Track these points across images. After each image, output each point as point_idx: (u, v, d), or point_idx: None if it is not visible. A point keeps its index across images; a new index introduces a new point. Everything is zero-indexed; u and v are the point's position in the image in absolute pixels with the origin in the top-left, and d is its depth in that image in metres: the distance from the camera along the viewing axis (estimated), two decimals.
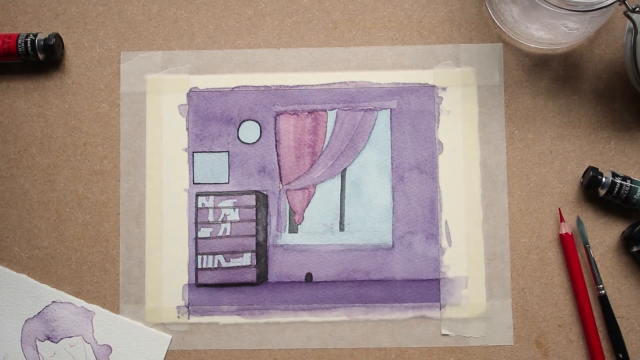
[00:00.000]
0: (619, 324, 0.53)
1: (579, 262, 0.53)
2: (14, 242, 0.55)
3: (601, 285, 0.53)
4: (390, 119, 0.55)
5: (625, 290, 0.54)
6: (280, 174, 0.55)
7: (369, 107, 0.55)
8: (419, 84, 0.55)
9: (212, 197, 0.55)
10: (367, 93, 0.55)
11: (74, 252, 0.55)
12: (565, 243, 0.53)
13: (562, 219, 0.54)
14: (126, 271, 0.54)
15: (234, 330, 0.54)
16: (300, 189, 0.55)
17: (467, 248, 0.54)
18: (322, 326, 0.54)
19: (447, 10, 0.56)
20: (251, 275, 0.54)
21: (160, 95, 0.56)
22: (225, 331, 0.54)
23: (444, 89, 0.55)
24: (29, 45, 0.54)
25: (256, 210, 0.55)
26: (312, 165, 0.55)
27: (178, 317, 0.54)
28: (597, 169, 0.53)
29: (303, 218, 0.55)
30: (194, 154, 0.55)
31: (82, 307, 0.54)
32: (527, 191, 0.54)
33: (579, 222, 0.54)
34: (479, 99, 0.55)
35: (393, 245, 0.54)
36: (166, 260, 0.55)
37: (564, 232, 0.54)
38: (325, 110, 0.56)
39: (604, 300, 0.53)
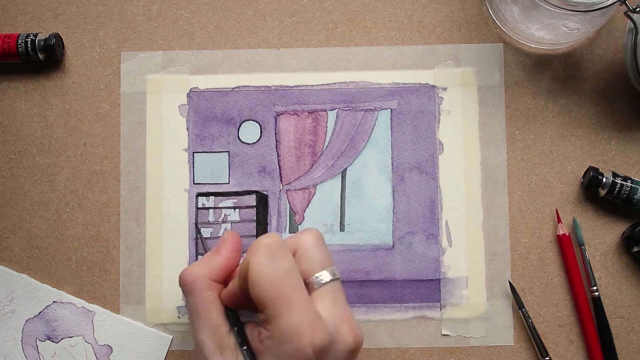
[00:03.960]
0: (619, 324, 0.53)
1: (576, 263, 0.53)
2: (14, 242, 0.55)
3: (595, 287, 0.53)
4: (391, 119, 0.55)
5: (626, 290, 0.54)
6: (280, 174, 0.55)
7: (369, 107, 0.55)
8: (420, 84, 0.55)
9: (213, 197, 0.55)
10: (368, 93, 0.55)
11: (74, 252, 0.55)
12: (563, 244, 0.53)
13: (559, 220, 0.54)
14: (126, 271, 0.55)
15: None
16: (301, 189, 0.55)
17: (468, 248, 0.54)
18: None
19: (448, 11, 0.56)
20: None
21: (160, 95, 0.56)
22: None
23: (444, 89, 0.55)
24: (29, 45, 0.54)
25: (256, 210, 0.55)
26: (313, 165, 0.55)
27: (179, 317, 0.54)
28: (598, 169, 0.53)
29: (303, 218, 0.55)
30: (194, 154, 0.55)
31: (82, 307, 0.54)
32: (527, 191, 0.55)
33: (575, 223, 0.54)
34: (480, 99, 0.55)
35: (393, 245, 0.54)
36: (166, 260, 0.55)
37: (561, 233, 0.54)
38: (326, 111, 0.56)
39: (597, 302, 0.53)
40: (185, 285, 0.45)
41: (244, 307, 0.45)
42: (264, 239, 0.43)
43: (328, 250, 0.46)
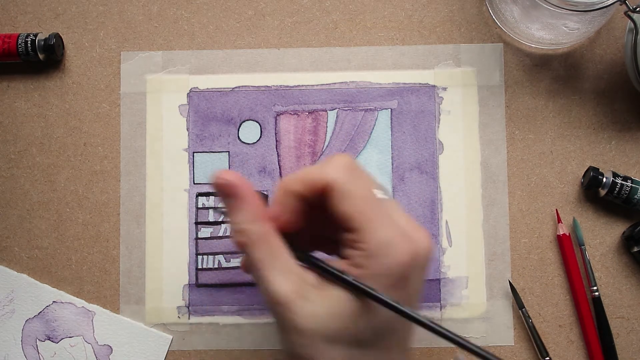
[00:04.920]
0: (619, 324, 0.53)
1: (576, 263, 0.53)
2: (14, 242, 0.55)
3: (595, 287, 0.53)
4: (391, 119, 0.55)
5: (626, 290, 0.54)
6: (280, 174, 0.55)
7: (369, 107, 0.55)
8: (420, 84, 0.55)
9: (213, 197, 0.55)
10: (368, 93, 0.55)
11: (74, 252, 0.55)
12: (563, 244, 0.53)
13: (559, 220, 0.54)
14: (126, 271, 0.55)
15: (235, 331, 0.54)
16: None
17: (468, 248, 0.54)
18: None
19: (448, 10, 0.56)
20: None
21: (160, 95, 0.56)
22: (226, 331, 0.54)
23: (444, 89, 0.55)
24: (29, 45, 0.54)
25: None
26: (313, 165, 0.55)
27: (178, 317, 0.54)
28: (598, 169, 0.53)
29: None
30: (194, 154, 0.55)
31: (82, 307, 0.54)
32: (527, 191, 0.55)
33: (575, 223, 0.54)
34: (480, 99, 0.55)
35: None
36: (166, 260, 0.55)
37: (561, 233, 0.54)
38: (326, 110, 0.56)
39: (597, 302, 0.53)
40: (244, 242, 0.40)
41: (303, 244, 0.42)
42: (340, 158, 0.41)
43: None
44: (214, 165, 0.55)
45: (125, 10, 0.56)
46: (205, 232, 0.55)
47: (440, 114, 0.55)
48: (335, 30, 0.56)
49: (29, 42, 0.54)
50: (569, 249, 0.53)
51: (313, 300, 0.39)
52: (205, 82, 0.56)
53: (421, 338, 0.54)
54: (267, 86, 0.56)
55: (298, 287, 0.39)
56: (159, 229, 0.55)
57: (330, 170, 0.40)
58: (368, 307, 0.39)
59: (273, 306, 0.40)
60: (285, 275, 0.40)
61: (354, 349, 0.39)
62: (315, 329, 0.39)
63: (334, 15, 0.56)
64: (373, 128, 0.55)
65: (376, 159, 0.55)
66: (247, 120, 0.56)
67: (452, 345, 0.53)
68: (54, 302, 0.54)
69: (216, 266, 0.54)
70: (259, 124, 0.56)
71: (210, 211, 0.55)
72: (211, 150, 0.55)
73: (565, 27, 0.51)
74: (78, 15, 0.57)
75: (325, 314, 0.39)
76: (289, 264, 0.40)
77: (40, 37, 0.55)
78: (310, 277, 0.40)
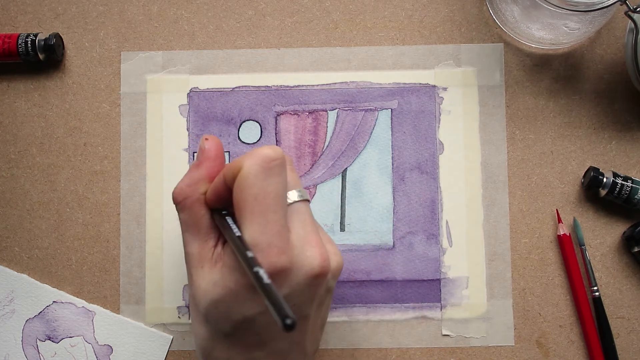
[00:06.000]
0: (620, 324, 0.53)
1: (576, 263, 0.53)
2: (14, 242, 0.55)
3: (595, 287, 0.53)
4: (391, 119, 0.55)
5: (626, 290, 0.54)
6: None
7: (369, 107, 0.55)
8: (420, 84, 0.55)
9: None
10: (368, 93, 0.55)
11: (74, 252, 0.55)
12: (563, 244, 0.53)
13: (559, 220, 0.54)
14: (127, 271, 0.54)
15: None
16: None
17: (468, 248, 0.54)
18: None
19: (448, 11, 0.56)
20: None
21: (160, 95, 0.56)
22: None
23: (444, 89, 0.55)
24: (29, 45, 0.54)
25: None
26: (313, 165, 0.55)
27: (179, 317, 0.54)
28: (598, 169, 0.53)
29: None
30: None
31: (82, 307, 0.54)
32: (528, 191, 0.54)
33: (575, 223, 0.54)
34: (480, 99, 0.55)
35: (394, 245, 0.54)
36: (167, 260, 0.55)
37: (562, 233, 0.54)
38: (326, 111, 0.55)
39: (597, 303, 0.53)
40: (177, 203, 0.45)
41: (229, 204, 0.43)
42: (265, 149, 0.40)
43: (297, 173, 0.45)
44: None
45: (125, 10, 0.56)
46: None
47: (440, 114, 0.55)
48: (336, 30, 0.56)
49: (29, 42, 0.54)
50: (569, 249, 0.53)
51: (203, 273, 0.42)
52: (206, 82, 0.56)
53: (421, 338, 0.54)
54: (267, 86, 0.56)
55: (202, 255, 0.42)
56: (159, 229, 0.55)
57: (247, 158, 0.40)
58: (230, 299, 0.40)
59: (187, 263, 0.44)
60: (199, 244, 0.43)
61: (215, 335, 0.42)
62: (197, 300, 0.42)
63: (334, 15, 0.56)
64: (373, 128, 0.55)
65: (376, 159, 0.55)
66: (247, 120, 0.56)
67: (452, 346, 0.53)
68: (54, 302, 0.54)
69: None
70: (259, 124, 0.56)
71: None
72: None
73: (566, 27, 0.51)
74: (78, 15, 0.56)
75: (203, 290, 0.42)
76: (206, 237, 0.43)
77: (40, 37, 0.54)
78: (216, 251, 0.43)
